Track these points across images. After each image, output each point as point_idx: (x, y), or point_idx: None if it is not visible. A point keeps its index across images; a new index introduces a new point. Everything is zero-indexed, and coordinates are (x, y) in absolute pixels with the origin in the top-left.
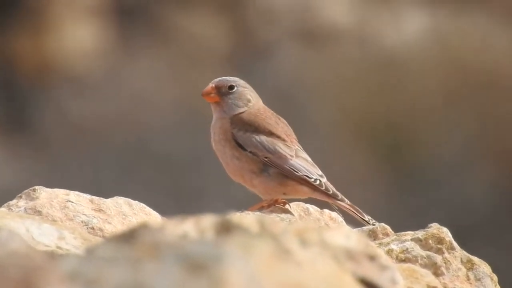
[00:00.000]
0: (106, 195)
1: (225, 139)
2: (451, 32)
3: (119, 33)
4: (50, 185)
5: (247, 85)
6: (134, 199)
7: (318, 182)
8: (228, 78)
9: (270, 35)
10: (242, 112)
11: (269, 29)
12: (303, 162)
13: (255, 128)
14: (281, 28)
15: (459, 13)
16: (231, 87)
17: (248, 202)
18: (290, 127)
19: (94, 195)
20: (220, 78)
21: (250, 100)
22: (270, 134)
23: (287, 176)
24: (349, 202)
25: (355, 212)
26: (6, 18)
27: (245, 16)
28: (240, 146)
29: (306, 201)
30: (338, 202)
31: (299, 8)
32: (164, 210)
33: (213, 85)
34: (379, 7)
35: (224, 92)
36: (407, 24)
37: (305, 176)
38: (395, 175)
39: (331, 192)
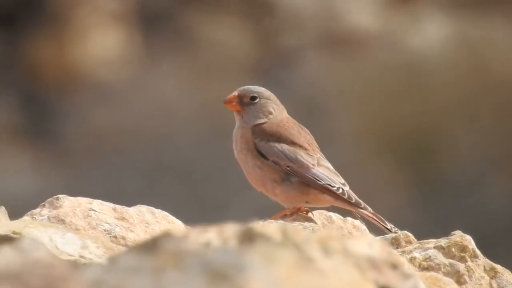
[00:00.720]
0: (129, 203)
1: (247, 149)
2: (475, 37)
3: (143, 40)
4: (73, 193)
5: (272, 97)
6: (156, 207)
7: (340, 190)
8: (253, 87)
9: (294, 43)
10: (263, 123)
11: (293, 36)
12: (325, 171)
13: (277, 137)
14: (305, 36)
15: (483, 18)
16: (253, 98)
17: (271, 211)
18: (312, 136)
19: (116, 203)
20: (244, 87)
21: (272, 113)
22: (292, 143)
23: (309, 185)
24: (371, 211)
25: (378, 220)
26: (30, 26)
27: (270, 24)
28: (262, 155)
29: (329, 209)
30: (361, 210)
31: (323, 15)
32: (187, 218)
33: (236, 94)
34: (403, 13)
35: (246, 102)
36: (431, 29)
37: (327, 185)
38: (418, 183)
39: (353, 200)
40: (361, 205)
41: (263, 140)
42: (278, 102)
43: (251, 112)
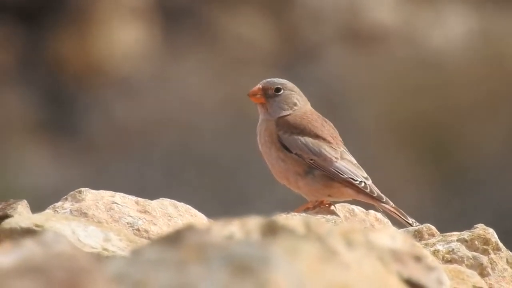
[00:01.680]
0: (152, 197)
1: (270, 141)
2: (497, 32)
3: (165, 34)
4: (96, 187)
5: (295, 88)
6: (179, 201)
7: (363, 184)
8: (276, 80)
9: (315, 37)
10: (288, 115)
11: (314, 30)
12: (348, 165)
13: (300, 130)
14: (327, 30)
15: (505, 13)
16: (278, 90)
17: (294, 204)
18: (336, 129)
19: (139, 197)
20: (268, 80)
21: (296, 104)
22: (316, 136)
23: (332, 178)
24: (393, 205)
25: (399, 214)
26: (52, 21)
27: (291, 18)
28: (285, 148)
29: (351, 202)
30: (383, 204)
31: (344, 10)
32: (210, 212)
33: (260, 86)
34: (425, 7)
35: (270, 94)
36: (452, 24)
37: (350, 179)
38: (440, 177)
39: (375, 194)
40: (383, 199)
41: (287, 133)
42: (301, 93)
43: (276, 104)
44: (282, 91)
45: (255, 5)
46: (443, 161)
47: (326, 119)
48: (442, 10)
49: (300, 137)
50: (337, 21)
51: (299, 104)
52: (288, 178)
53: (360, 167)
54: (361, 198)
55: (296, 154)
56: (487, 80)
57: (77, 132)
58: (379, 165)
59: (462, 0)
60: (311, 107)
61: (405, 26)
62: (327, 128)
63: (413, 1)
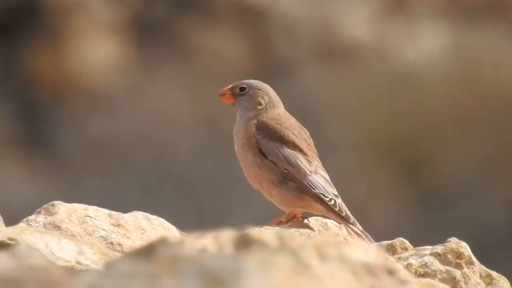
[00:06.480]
0: (126, 210)
1: (248, 144)
2: (471, 47)
3: (139, 49)
4: (70, 201)
5: (265, 88)
6: (153, 214)
7: (332, 202)
8: (245, 80)
9: (290, 53)
10: (267, 117)
11: (289, 46)
12: (321, 180)
13: (279, 136)
14: (302, 46)
15: (479, 29)
16: (242, 89)
17: (269, 219)
18: (311, 138)
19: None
20: (240, 80)
21: (261, 103)
22: (293, 146)
23: (304, 191)
24: (360, 228)
25: (365, 238)
26: (26, 35)
27: (266, 34)
28: (262, 153)
29: (324, 216)
30: (350, 225)
31: (319, 26)
32: (184, 226)
33: (230, 86)
34: (400, 23)
35: (237, 93)
36: (427, 40)
37: (321, 194)
38: (414, 193)
39: (344, 214)
40: (351, 219)
41: (266, 138)
42: (272, 94)
43: (242, 103)
44: (246, 90)
45: (230, 21)
46: (417, 177)
47: (302, 126)
48: (417, 26)
49: (278, 144)
50: (312, 37)
51: (264, 103)
52: (261, 184)
53: (332, 184)
54: (330, 215)
55: (271, 161)
56: (461, 96)
57: (51, 147)
58: (352, 182)
59: (437, 16)
60: (284, 110)
61: (380, 42)
62: (304, 138)
63: (388, 17)
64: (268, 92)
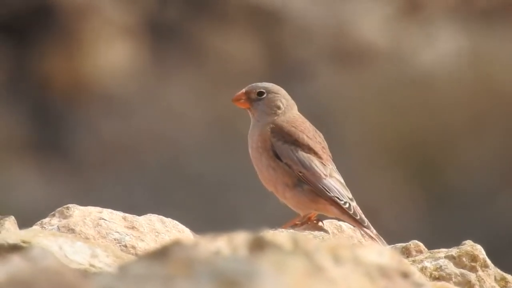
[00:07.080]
0: (139, 213)
1: (263, 147)
2: (486, 51)
3: (153, 52)
4: (84, 204)
5: (281, 91)
6: (168, 217)
7: (347, 205)
8: (260, 83)
9: (304, 55)
10: (282, 120)
11: (303, 49)
12: (336, 183)
13: (294, 139)
14: (316, 48)
15: (494, 32)
16: (260, 93)
17: (283, 221)
18: (325, 141)
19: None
20: (252, 84)
21: (280, 107)
22: (308, 149)
23: (319, 194)
24: (374, 231)
25: (378, 242)
26: (40, 38)
27: (280, 36)
28: (276, 156)
29: (339, 218)
30: (364, 228)
31: (333, 28)
32: (198, 228)
33: (244, 91)
34: (414, 26)
35: (254, 98)
36: (442, 43)
37: (335, 198)
38: (426, 196)
39: (358, 217)
40: (365, 223)
41: (280, 141)
42: (287, 97)
43: (260, 108)
44: (265, 94)
45: (244, 24)
46: (429, 180)
47: (317, 129)
48: (431, 29)
49: (292, 147)
50: (325, 40)
51: (283, 107)
52: (276, 187)
53: (346, 187)
54: (345, 218)
55: (286, 163)
56: (476, 99)
57: (65, 150)
58: (367, 183)
59: (452, 19)
60: (298, 112)
61: (394, 45)
62: (318, 141)
63: (402, 19)
64: (284, 95)
